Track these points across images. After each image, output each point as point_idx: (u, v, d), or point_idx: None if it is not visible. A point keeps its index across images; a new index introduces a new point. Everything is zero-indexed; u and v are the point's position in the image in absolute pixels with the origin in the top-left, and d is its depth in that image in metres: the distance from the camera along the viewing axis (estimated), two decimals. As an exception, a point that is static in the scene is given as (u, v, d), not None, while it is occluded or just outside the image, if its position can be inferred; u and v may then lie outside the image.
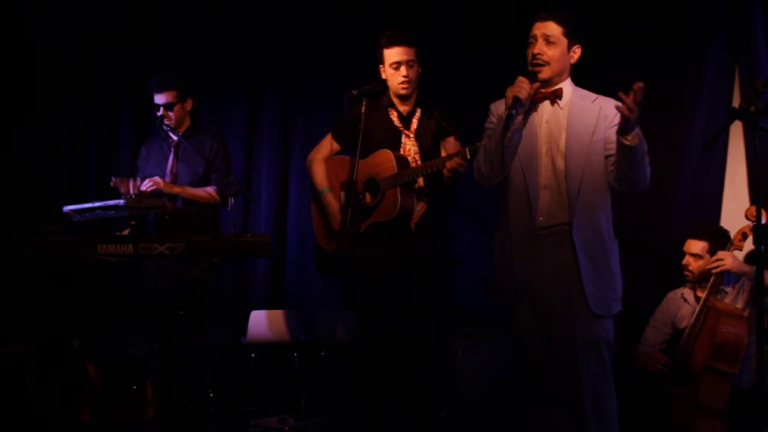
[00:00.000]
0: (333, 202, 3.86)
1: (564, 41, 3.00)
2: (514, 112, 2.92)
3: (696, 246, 3.87)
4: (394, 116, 3.77)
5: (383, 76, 3.76)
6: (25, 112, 5.14)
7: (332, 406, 4.56)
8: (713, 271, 3.74)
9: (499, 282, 3.07)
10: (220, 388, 4.35)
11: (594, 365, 2.89)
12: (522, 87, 2.93)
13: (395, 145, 3.74)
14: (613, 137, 2.87)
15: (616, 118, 2.82)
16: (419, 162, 3.71)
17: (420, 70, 3.73)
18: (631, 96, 2.68)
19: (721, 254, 3.73)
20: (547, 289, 2.94)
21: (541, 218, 2.96)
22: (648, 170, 2.89)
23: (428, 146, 3.76)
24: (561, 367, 2.92)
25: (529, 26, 3.06)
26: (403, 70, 3.68)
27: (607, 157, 2.97)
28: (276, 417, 4.44)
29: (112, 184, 4.28)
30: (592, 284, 2.90)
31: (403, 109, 3.78)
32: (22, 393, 3.75)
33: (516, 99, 2.91)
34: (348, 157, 3.89)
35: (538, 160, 2.99)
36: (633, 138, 2.77)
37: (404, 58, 3.68)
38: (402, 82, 3.68)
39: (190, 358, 4.35)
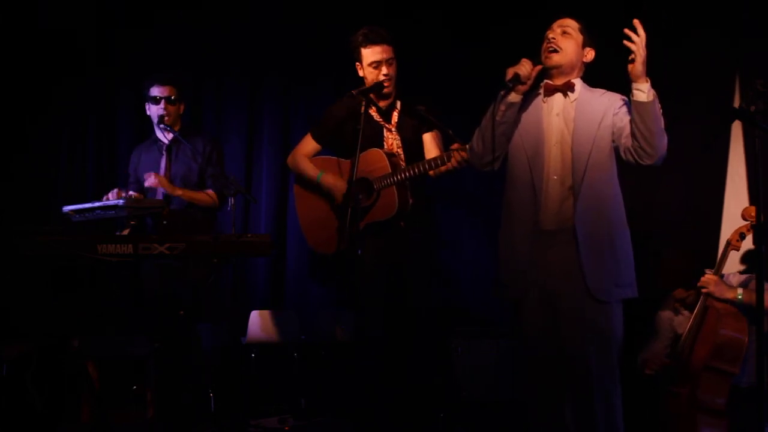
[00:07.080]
0: (336, 182, 3.77)
1: (579, 37, 3.07)
2: (510, 85, 2.94)
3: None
4: (373, 111, 3.75)
5: (360, 73, 3.76)
6: (25, 112, 5.13)
7: (332, 406, 4.55)
8: (703, 291, 3.70)
9: (504, 279, 3.07)
10: (220, 388, 4.34)
11: (602, 361, 2.89)
12: (523, 65, 2.97)
13: (378, 139, 3.73)
14: (620, 122, 2.94)
15: (623, 107, 2.94)
16: (402, 155, 3.71)
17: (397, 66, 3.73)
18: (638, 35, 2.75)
19: (705, 279, 3.68)
20: (555, 285, 2.95)
21: (551, 211, 2.96)
22: (665, 137, 2.91)
23: (410, 139, 3.76)
24: (569, 363, 2.93)
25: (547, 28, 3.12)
26: (383, 68, 3.68)
27: (613, 144, 2.99)
28: (276, 417, 4.43)
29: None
30: (590, 268, 2.91)
31: (382, 104, 3.78)
32: (22, 393, 3.75)
33: (515, 74, 2.94)
34: (332, 158, 3.87)
35: (545, 152, 3.01)
36: (647, 93, 2.80)
37: (384, 56, 3.68)
38: (384, 81, 3.67)
39: (191, 358, 4.34)
